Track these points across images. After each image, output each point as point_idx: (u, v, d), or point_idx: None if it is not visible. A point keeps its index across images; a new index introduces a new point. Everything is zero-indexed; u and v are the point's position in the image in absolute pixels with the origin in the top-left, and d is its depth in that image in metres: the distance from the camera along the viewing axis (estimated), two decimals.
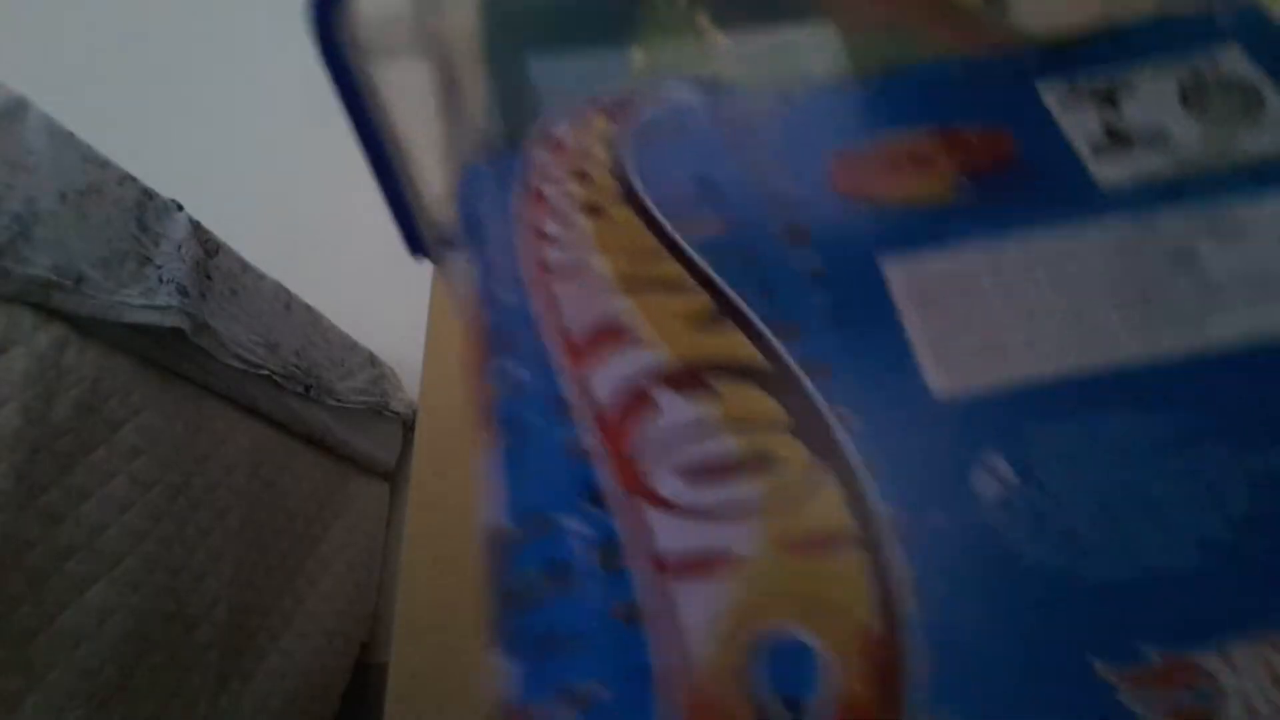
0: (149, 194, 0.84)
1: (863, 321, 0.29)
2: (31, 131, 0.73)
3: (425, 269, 1.11)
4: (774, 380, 0.28)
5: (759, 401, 0.27)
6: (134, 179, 0.83)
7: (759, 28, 0.39)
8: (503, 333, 0.30)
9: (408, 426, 1.40)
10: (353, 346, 1.25)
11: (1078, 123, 0.33)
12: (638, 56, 0.39)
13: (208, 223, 0.91)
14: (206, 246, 0.90)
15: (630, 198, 0.33)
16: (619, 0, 0.41)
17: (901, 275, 0.30)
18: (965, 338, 0.28)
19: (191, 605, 0.89)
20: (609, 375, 0.28)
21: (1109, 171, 0.32)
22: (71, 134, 0.77)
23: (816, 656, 0.22)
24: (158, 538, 0.84)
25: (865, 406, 0.27)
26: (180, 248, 0.85)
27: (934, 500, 0.25)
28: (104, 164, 0.80)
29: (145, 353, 0.84)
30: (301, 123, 1.78)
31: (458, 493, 0.94)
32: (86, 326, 0.77)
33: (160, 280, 0.83)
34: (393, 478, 1.41)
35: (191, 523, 0.90)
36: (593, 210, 0.33)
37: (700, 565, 0.24)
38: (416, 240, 0.42)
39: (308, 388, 1.09)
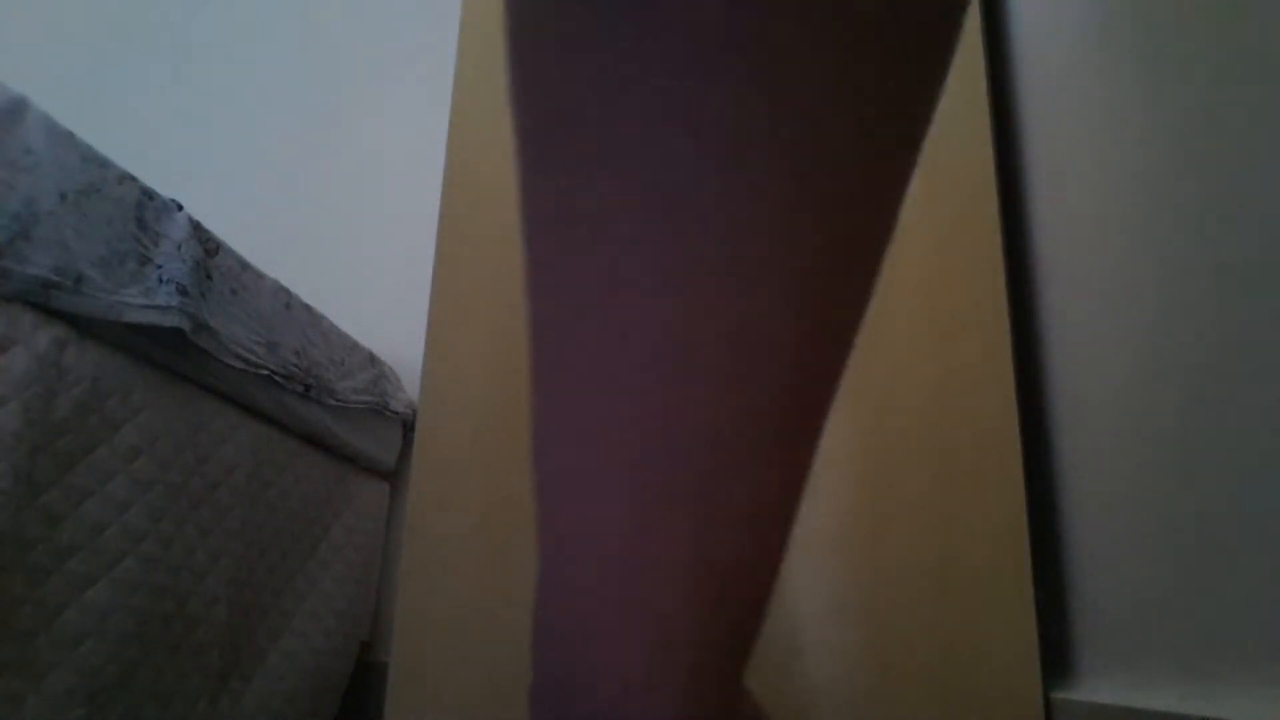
0: (149, 194, 0.84)
1: None
2: (31, 131, 0.73)
3: (425, 269, 1.12)
4: None
5: None
6: (134, 179, 0.83)
7: None
8: None
9: (408, 426, 1.40)
10: (353, 346, 1.25)
11: None
12: None
13: (208, 223, 0.91)
14: (206, 246, 0.90)
15: None
16: None
17: None
18: None
19: (191, 605, 0.89)
20: None
21: None
22: (71, 134, 0.77)
23: None
24: (158, 537, 0.84)
25: None
26: (180, 247, 0.85)
27: None
28: (104, 164, 0.79)
29: (145, 353, 0.84)
30: (302, 123, 1.79)
31: (458, 493, 0.94)
32: (86, 326, 0.77)
33: (160, 280, 0.83)
34: (393, 478, 1.41)
35: (191, 522, 0.90)
36: None
37: None
38: None
39: (307, 387, 1.09)
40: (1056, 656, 0.77)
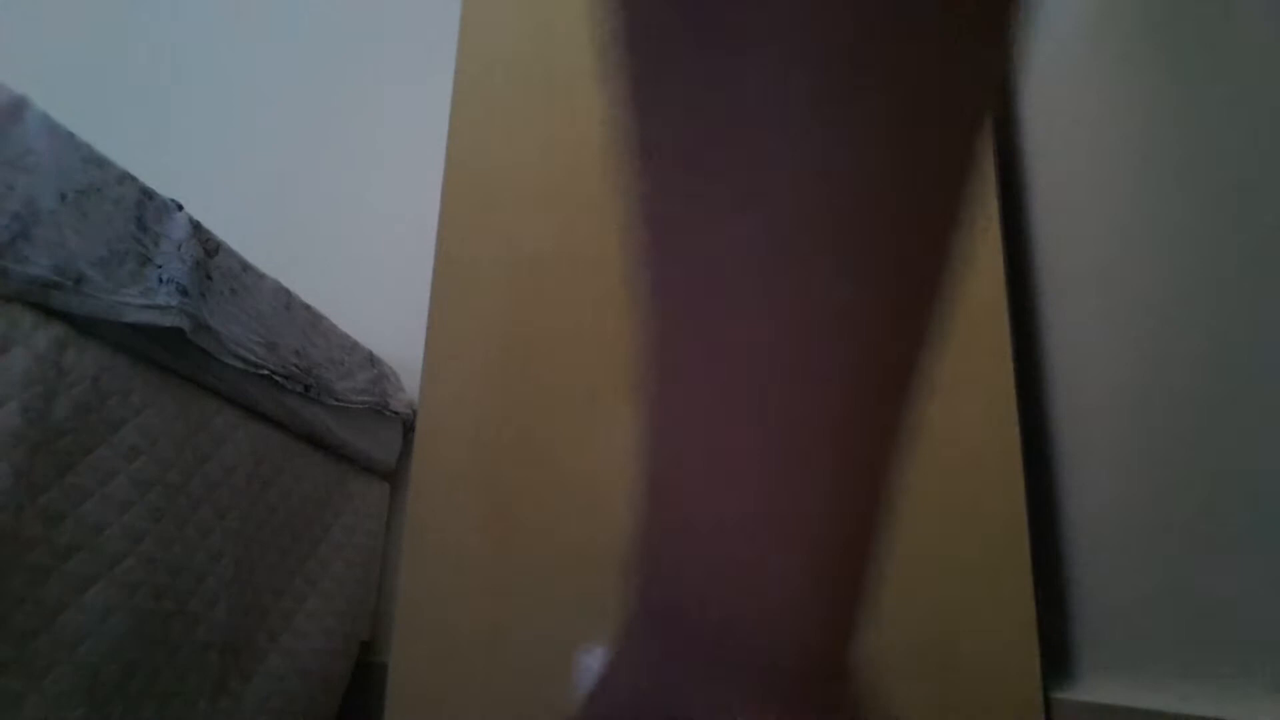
0: (149, 194, 0.84)
1: None
2: (31, 131, 0.73)
3: (425, 269, 1.12)
4: None
5: None
6: (134, 179, 0.83)
7: None
8: None
9: (408, 426, 1.40)
10: (353, 346, 1.25)
11: None
12: None
13: (208, 223, 0.91)
14: (206, 246, 0.90)
15: None
16: None
17: None
18: None
19: (191, 605, 0.89)
20: None
21: None
22: (71, 134, 0.77)
23: None
24: (158, 537, 0.84)
25: None
26: (180, 247, 0.85)
27: None
28: (104, 164, 0.79)
29: (145, 352, 0.84)
30: (302, 122, 1.79)
31: (458, 493, 0.94)
32: (86, 326, 0.77)
33: (160, 280, 0.83)
34: (393, 478, 1.41)
35: (191, 523, 0.90)
36: None
37: None
38: None
39: (307, 387, 1.09)
40: (1056, 656, 0.77)
